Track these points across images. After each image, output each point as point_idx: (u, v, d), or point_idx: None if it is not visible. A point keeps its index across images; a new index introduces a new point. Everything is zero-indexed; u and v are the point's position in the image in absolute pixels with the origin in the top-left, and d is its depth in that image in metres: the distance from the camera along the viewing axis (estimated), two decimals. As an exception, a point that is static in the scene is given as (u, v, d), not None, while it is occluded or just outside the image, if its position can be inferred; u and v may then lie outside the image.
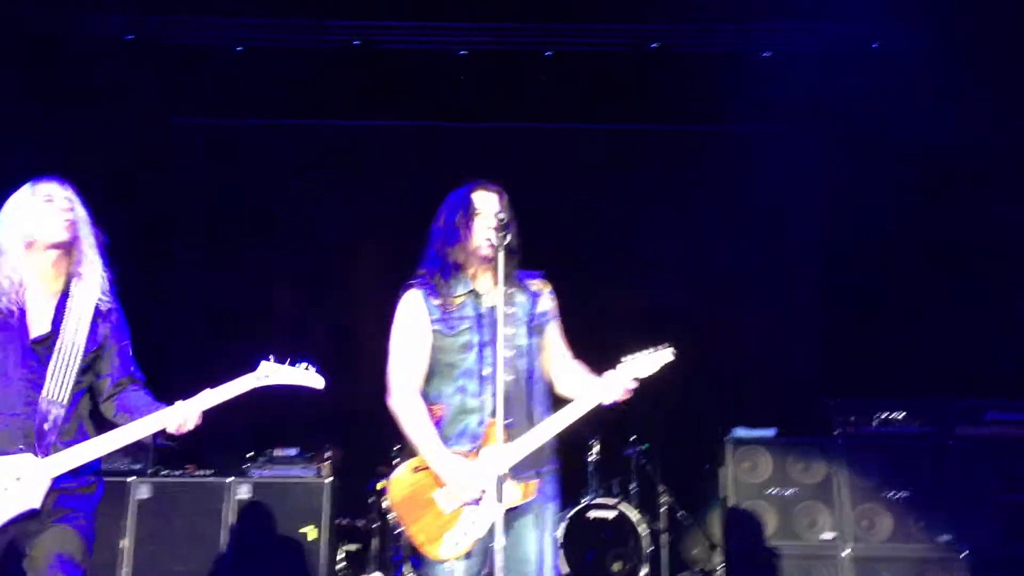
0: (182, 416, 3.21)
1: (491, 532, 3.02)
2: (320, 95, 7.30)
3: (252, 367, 3.36)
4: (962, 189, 6.96)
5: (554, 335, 3.48)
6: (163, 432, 3.24)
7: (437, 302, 3.33)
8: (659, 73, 6.94)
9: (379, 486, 5.95)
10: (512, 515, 3.15)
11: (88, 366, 3.27)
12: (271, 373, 3.40)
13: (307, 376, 3.48)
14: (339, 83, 7.13)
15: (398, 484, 3.26)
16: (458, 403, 3.27)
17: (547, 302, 3.46)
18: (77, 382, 3.21)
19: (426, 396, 3.33)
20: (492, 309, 3.28)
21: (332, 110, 7.49)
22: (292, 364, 3.45)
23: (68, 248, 3.25)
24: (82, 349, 3.22)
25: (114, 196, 7.08)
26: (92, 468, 3.21)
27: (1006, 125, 6.59)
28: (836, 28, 6.59)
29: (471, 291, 3.34)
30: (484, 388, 3.22)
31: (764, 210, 7.57)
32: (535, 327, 3.38)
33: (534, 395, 3.30)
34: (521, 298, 3.38)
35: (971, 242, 6.93)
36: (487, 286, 3.35)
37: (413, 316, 3.36)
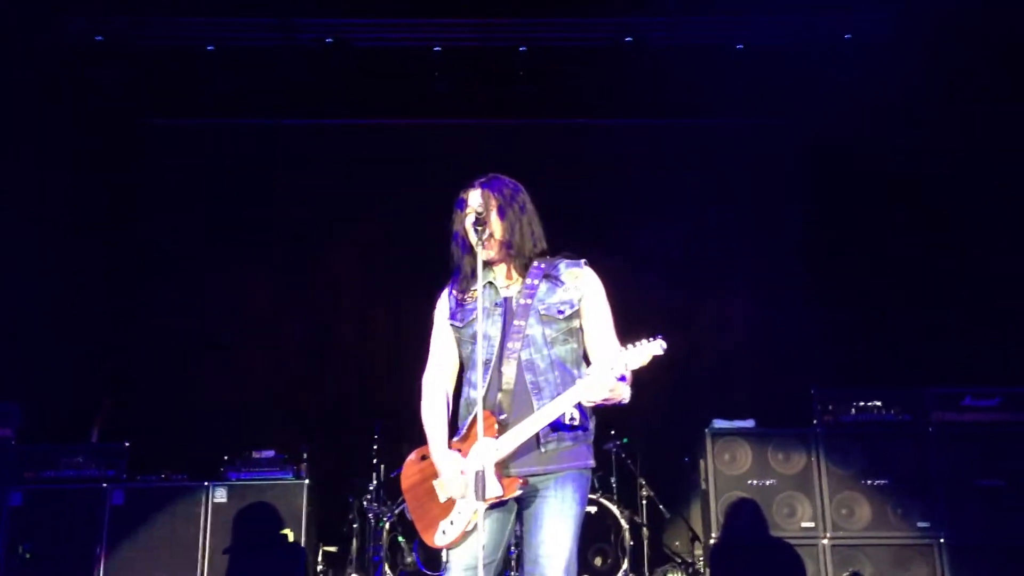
0: None
1: (492, 526, 3.12)
2: (293, 94, 7.24)
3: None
4: (938, 185, 6.98)
5: (588, 324, 3.31)
6: None
7: (457, 296, 3.35)
8: (635, 67, 6.93)
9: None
10: (525, 511, 3.16)
11: None
12: None
13: None
14: (313, 81, 7.07)
15: (408, 470, 3.32)
16: (466, 394, 3.29)
17: (573, 291, 3.28)
18: None
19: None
20: (506, 300, 3.29)
21: (306, 109, 7.43)
22: None
23: None
24: None
25: (85, 197, 7.04)
26: None
27: (976, 121, 6.63)
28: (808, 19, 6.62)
29: (488, 283, 3.30)
30: (485, 380, 3.15)
31: (746, 203, 7.58)
32: (548, 317, 3.23)
33: (541, 388, 3.16)
34: (542, 288, 3.29)
35: (948, 235, 6.97)
36: (505, 278, 3.34)
37: (437, 312, 3.42)
